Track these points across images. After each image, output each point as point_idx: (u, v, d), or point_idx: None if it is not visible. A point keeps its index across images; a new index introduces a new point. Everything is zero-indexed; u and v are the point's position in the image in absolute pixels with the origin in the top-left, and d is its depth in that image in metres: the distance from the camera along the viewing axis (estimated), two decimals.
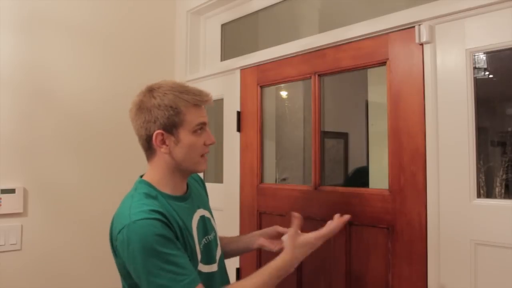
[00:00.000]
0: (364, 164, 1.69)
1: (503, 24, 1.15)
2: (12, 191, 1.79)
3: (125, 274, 1.01)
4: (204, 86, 2.22)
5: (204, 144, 1.07)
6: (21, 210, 1.81)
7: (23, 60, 1.86)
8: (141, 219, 0.92)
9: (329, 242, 1.53)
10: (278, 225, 1.29)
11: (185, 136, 1.03)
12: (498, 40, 1.16)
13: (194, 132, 1.04)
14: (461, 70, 1.23)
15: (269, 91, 1.91)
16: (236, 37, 2.24)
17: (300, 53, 1.69)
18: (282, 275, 1.03)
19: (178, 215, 1.02)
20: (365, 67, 1.51)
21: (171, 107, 1.01)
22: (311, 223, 1.53)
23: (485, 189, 1.21)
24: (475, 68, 1.22)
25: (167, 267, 0.89)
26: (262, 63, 1.86)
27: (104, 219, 2.07)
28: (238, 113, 1.96)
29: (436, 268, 1.26)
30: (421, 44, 1.31)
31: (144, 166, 1.03)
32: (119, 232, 0.93)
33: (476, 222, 1.18)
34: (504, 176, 1.22)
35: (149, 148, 1.06)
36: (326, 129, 1.68)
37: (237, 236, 1.39)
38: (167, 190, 1.06)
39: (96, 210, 2.04)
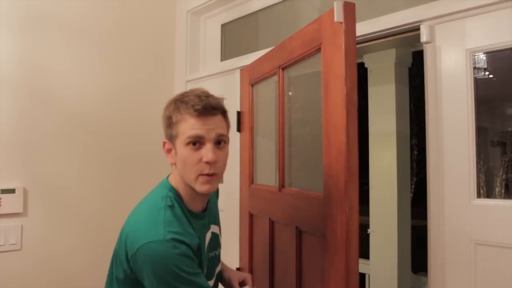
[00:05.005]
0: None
1: (503, 24, 1.15)
2: (12, 191, 1.79)
3: (127, 275, 0.96)
4: (204, 86, 2.21)
5: (201, 161, 0.93)
6: (21, 210, 1.81)
7: (23, 60, 1.86)
8: (168, 239, 0.88)
9: (285, 250, 1.40)
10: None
11: (179, 148, 0.95)
12: (498, 40, 1.16)
13: (187, 145, 0.93)
14: (461, 70, 1.23)
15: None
16: (236, 37, 2.24)
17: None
18: None
19: (197, 234, 0.98)
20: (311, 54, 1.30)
21: (167, 118, 0.97)
22: (275, 225, 1.48)
23: (485, 189, 1.21)
24: (475, 68, 1.22)
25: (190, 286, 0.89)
26: None
27: (104, 219, 2.08)
28: (238, 113, 1.95)
29: (436, 268, 1.26)
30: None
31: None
32: (144, 244, 0.88)
33: (476, 222, 1.18)
34: (504, 176, 1.22)
35: None
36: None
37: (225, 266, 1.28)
38: (190, 205, 1.00)
39: (96, 209, 2.04)
